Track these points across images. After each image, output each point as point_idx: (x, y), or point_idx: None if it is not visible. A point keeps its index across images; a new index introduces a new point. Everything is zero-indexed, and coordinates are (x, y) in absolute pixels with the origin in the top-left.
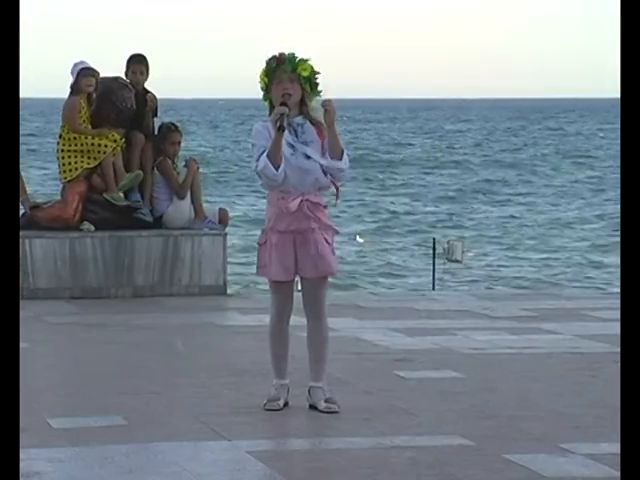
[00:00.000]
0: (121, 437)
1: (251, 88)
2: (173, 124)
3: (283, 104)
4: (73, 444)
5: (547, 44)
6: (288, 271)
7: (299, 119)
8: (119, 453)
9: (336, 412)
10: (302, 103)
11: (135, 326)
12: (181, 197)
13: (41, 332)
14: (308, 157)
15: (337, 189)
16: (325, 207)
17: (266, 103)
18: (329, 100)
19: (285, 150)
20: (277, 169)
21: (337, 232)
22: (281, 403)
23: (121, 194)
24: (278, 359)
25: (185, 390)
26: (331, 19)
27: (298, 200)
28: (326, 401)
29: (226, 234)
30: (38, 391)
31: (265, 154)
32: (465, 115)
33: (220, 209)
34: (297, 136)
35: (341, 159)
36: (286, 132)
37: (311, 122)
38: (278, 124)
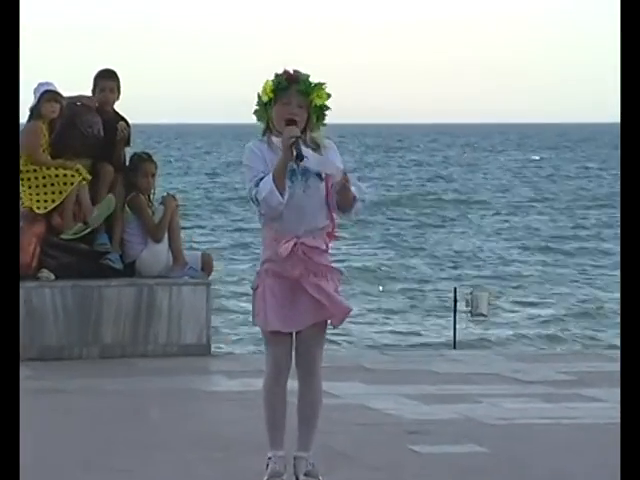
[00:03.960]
0: None
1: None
2: (146, 153)
3: (291, 122)
4: None
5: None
6: (286, 321)
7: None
8: None
9: None
10: (303, 131)
11: (103, 392)
12: (157, 240)
13: None
14: (310, 188)
15: (332, 227)
16: (326, 250)
17: (260, 121)
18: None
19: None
20: (282, 196)
21: (341, 273)
22: (285, 479)
23: (81, 226)
24: (274, 426)
25: (163, 467)
26: (338, 32)
27: (291, 244)
28: (306, 474)
29: (210, 283)
30: None
31: (270, 178)
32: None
33: (203, 254)
34: (297, 165)
35: (351, 208)
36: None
37: (313, 147)
38: (295, 152)
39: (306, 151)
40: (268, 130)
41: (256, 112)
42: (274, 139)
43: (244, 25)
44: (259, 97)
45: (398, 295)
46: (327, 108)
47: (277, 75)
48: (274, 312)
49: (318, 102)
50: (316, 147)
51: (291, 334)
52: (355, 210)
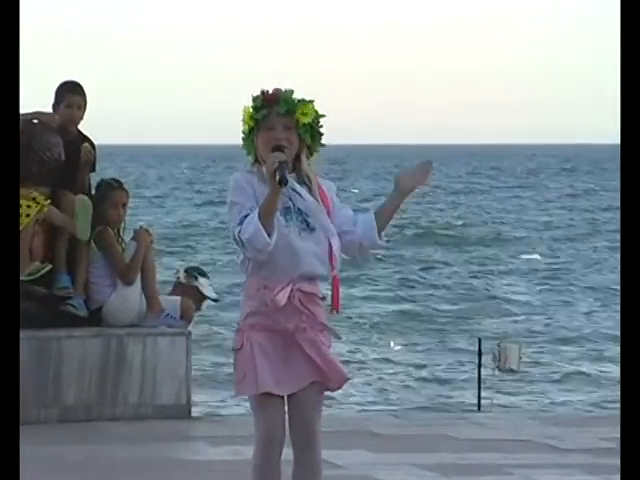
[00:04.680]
0: None
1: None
2: (116, 180)
3: (278, 149)
4: None
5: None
6: (278, 380)
7: (294, 182)
8: None
9: None
10: (296, 159)
11: (63, 462)
12: (128, 282)
13: None
14: (306, 229)
15: (335, 284)
16: (322, 299)
17: (248, 155)
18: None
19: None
20: (270, 236)
21: (338, 337)
22: None
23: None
24: None
25: None
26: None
27: (288, 290)
28: None
29: (190, 333)
30: None
31: (255, 215)
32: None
33: (182, 299)
34: (292, 203)
35: (382, 235)
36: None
37: (308, 184)
38: (278, 176)
39: (300, 189)
40: (257, 163)
41: (243, 143)
42: (265, 171)
43: (244, 30)
44: (243, 127)
45: (412, 347)
46: (318, 125)
47: (254, 99)
48: (266, 371)
49: (304, 120)
50: (310, 184)
51: (283, 398)
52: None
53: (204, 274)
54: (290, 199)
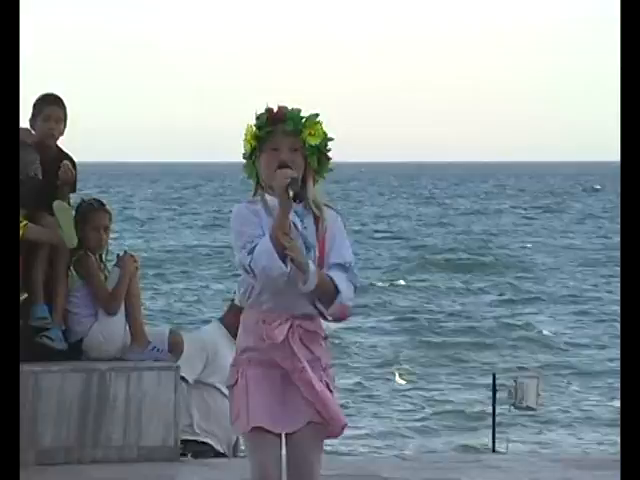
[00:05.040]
0: None
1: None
2: (97, 200)
3: (285, 166)
4: None
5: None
6: (274, 417)
7: (299, 208)
8: None
9: None
10: (301, 183)
11: None
12: (111, 311)
13: None
14: (309, 260)
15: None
16: (326, 338)
17: (249, 178)
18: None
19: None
20: (285, 262)
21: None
22: None
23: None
24: None
25: None
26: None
27: (286, 326)
28: None
29: (179, 367)
30: None
31: (266, 241)
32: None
33: (171, 331)
34: (298, 232)
35: (330, 305)
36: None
37: (316, 212)
38: (291, 192)
39: (306, 217)
40: (260, 188)
41: (244, 166)
42: (269, 198)
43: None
44: (244, 147)
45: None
46: (326, 148)
47: (258, 116)
48: (261, 407)
49: (312, 141)
50: (317, 212)
51: (280, 438)
52: (333, 309)
53: None
54: (295, 227)
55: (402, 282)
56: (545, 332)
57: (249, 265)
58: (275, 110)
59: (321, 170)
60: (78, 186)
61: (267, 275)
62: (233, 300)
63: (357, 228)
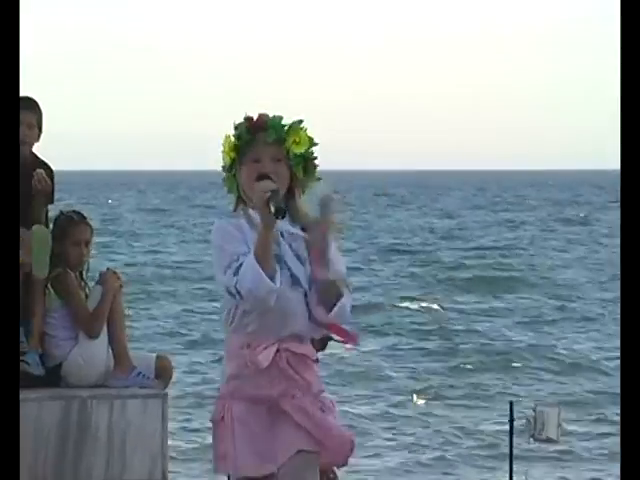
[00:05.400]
0: None
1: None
2: (78, 212)
3: (264, 177)
4: None
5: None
6: (264, 457)
7: (285, 223)
8: None
9: None
10: (289, 195)
11: None
12: (92, 334)
13: None
14: (295, 281)
15: (332, 327)
16: (316, 361)
17: (229, 192)
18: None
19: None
20: (273, 280)
21: (333, 404)
22: None
23: None
24: None
25: None
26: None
27: (272, 350)
28: None
29: (166, 395)
30: None
31: (251, 260)
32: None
33: (158, 355)
34: (279, 249)
35: (331, 309)
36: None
37: (309, 224)
38: (273, 207)
39: (295, 231)
40: (242, 202)
41: (225, 180)
42: (252, 212)
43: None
44: (223, 159)
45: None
46: (312, 155)
47: (236, 126)
48: (247, 449)
49: (297, 150)
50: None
51: (273, 476)
52: (334, 314)
53: None
54: (281, 244)
55: (424, 303)
56: (592, 357)
57: (235, 287)
58: (255, 118)
59: (308, 179)
60: (57, 196)
61: (255, 296)
62: None
63: (369, 242)
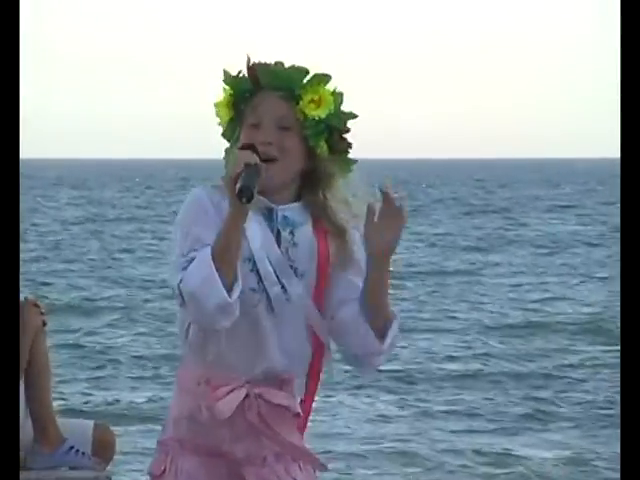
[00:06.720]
0: None
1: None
2: None
3: (249, 147)
4: None
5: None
6: None
7: (293, 210)
8: None
9: None
10: (305, 178)
11: None
12: None
13: None
14: (280, 301)
15: (315, 370)
16: (298, 415)
17: (226, 169)
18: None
19: (242, 267)
20: (232, 288)
21: (324, 469)
22: None
23: None
24: None
25: None
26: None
27: (240, 395)
28: None
29: (110, 477)
30: None
31: (206, 253)
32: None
33: (97, 424)
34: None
35: (385, 335)
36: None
37: (315, 225)
38: (238, 185)
39: (296, 236)
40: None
41: (226, 153)
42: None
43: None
44: (219, 118)
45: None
46: (340, 125)
47: (234, 76)
48: None
49: (314, 112)
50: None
51: None
52: (390, 340)
53: None
54: (277, 243)
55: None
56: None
57: (178, 286)
58: (253, 64)
59: (335, 163)
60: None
61: (200, 306)
62: None
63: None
